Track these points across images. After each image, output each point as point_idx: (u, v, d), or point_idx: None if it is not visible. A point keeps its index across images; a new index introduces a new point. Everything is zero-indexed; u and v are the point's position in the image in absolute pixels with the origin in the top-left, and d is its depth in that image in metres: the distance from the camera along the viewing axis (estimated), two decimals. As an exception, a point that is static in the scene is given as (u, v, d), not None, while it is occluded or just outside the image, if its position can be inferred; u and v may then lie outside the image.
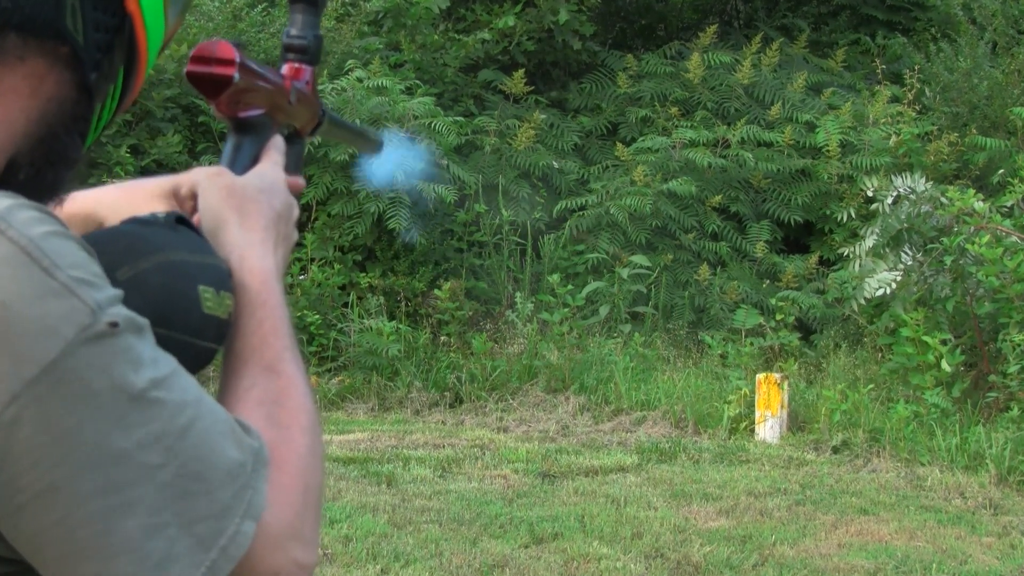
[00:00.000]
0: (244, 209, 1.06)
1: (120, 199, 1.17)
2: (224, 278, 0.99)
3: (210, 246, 1.02)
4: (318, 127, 1.29)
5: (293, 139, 1.23)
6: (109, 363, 0.81)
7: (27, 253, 0.79)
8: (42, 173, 0.93)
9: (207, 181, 1.08)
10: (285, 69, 1.22)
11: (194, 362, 0.96)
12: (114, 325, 0.81)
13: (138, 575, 0.82)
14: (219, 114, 1.10)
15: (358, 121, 9.20)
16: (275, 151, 1.15)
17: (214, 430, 0.87)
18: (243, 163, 1.13)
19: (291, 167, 1.21)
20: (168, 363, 0.86)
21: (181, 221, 1.01)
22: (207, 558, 0.85)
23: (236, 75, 1.05)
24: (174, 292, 0.94)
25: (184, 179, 1.16)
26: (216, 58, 1.05)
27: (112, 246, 0.94)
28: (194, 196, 1.12)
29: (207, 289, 0.96)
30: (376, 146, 1.55)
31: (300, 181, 1.23)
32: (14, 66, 0.87)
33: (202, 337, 0.96)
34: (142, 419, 0.82)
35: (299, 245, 8.89)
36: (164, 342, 0.88)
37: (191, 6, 1.06)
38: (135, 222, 1.01)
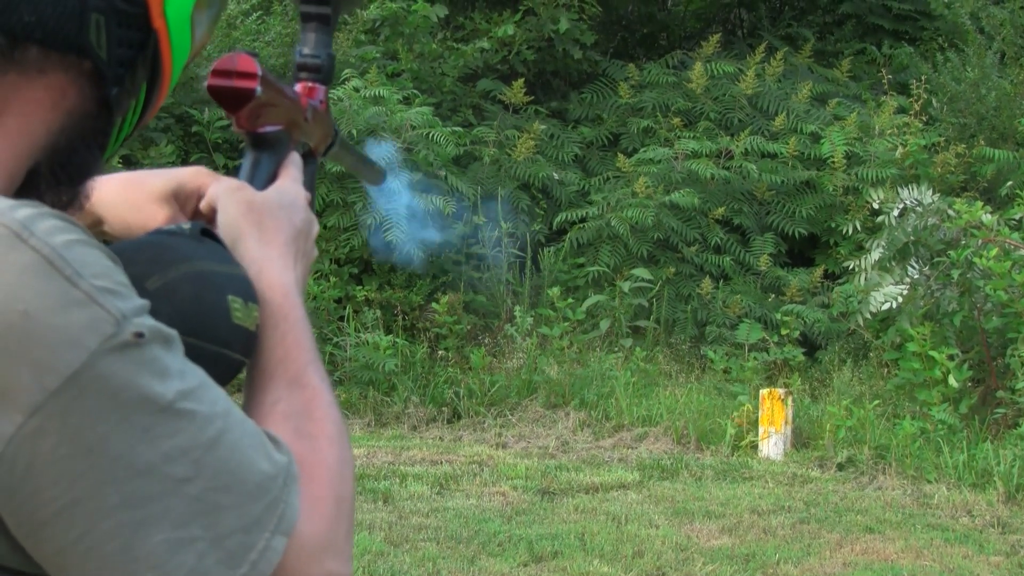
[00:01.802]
0: (263, 224, 1.07)
1: (119, 199, 1.18)
2: (251, 289, 1.00)
3: (234, 258, 1.03)
4: (331, 147, 1.30)
5: (307, 158, 1.24)
6: (134, 374, 0.81)
7: (50, 262, 0.79)
8: (62, 185, 0.94)
9: (226, 195, 1.09)
10: (299, 88, 1.23)
11: (224, 374, 0.96)
12: (139, 335, 0.81)
13: None
14: (238, 129, 1.11)
15: (354, 132, 9.24)
16: (294, 168, 1.16)
17: (243, 443, 0.87)
18: (262, 179, 1.14)
19: (305, 186, 1.22)
20: (196, 375, 0.86)
21: (206, 233, 1.02)
22: (237, 574, 0.85)
23: (259, 88, 1.06)
24: (204, 302, 0.95)
25: (187, 178, 1.17)
26: (237, 71, 1.05)
27: (139, 256, 0.95)
28: (198, 197, 1.15)
29: (236, 299, 0.97)
30: (379, 177, 1.56)
31: (309, 198, 1.25)
32: (34, 79, 0.89)
33: (231, 348, 0.97)
34: (169, 431, 0.82)
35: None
36: (194, 353, 0.89)
37: (218, 20, 1.07)
38: (160, 233, 1.02)
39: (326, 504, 0.93)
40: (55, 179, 0.93)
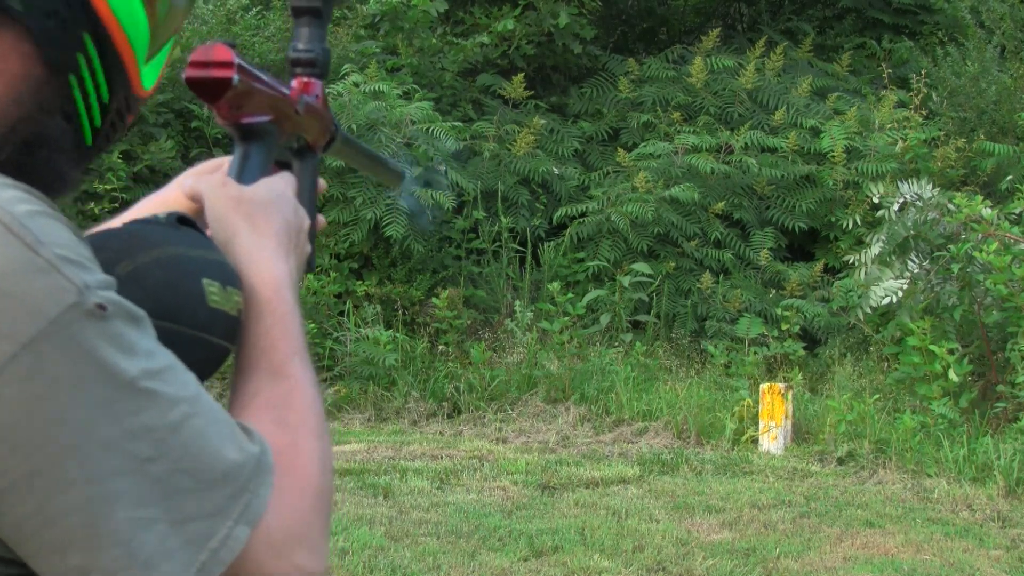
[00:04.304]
0: (254, 218, 1.06)
1: (148, 208, 1.19)
2: (230, 274, 1.00)
3: (213, 243, 1.03)
4: (331, 143, 1.29)
5: (305, 152, 1.25)
6: (96, 346, 0.80)
7: (9, 229, 0.78)
8: (32, 156, 0.92)
9: (212, 192, 1.08)
10: (294, 83, 1.22)
11: (207, 360, 0.97)
12: (102, 307, 0.80)
13: (127, 570, 0.81)
14: (221, 121, 1.11)
15: (354, 127, 9.24)
16: (286, 173, 1.16)
17: (210, 430, 0.86)
18: (252, 172, 1.13)
19: (307, 180, 1.23)
20: (166, 357, 0.86)
21: (184, 221, 1.02)
22: (197, 559, 0.84)
23: (235, 77, 1.05)
24: (177, 286, 0.94)
25: (185, 183, 1.17)
26: (214, 61, 1.05)
27: (111, 243, 0.95)
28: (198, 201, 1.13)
29: (212, 283, 0.96)
30: (397, 177, 1.55)
31: (321, 184, 1.27)
32: None
33: (211, 332, 0.97)
34: (132, 408, 0.81)
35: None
36: (170, 337, 0.89)
37: None
38: (135, 222, 1.02)
39: (301, 497, 0.93)
40: (16, 150, 0.91)
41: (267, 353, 1.00)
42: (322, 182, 1.28)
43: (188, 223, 1.02)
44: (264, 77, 1.13)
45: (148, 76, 1.00)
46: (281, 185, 1.13)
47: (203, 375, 0.96)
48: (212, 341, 0.97)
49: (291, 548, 0.91)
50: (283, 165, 1.21)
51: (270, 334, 1.01)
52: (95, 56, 0.93)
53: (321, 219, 1.27)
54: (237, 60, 1.06)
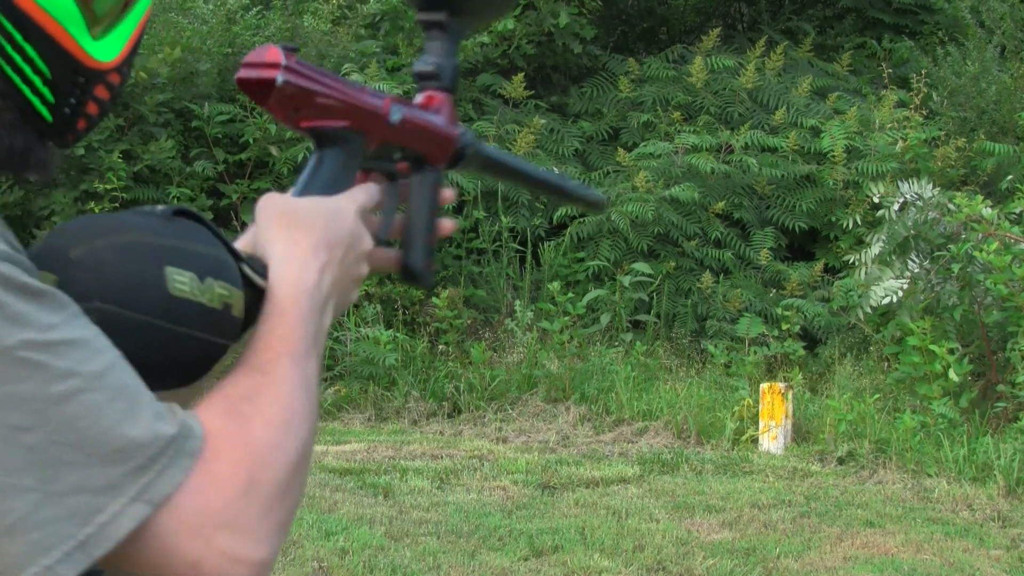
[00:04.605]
0: (292, 228, 1.07)
1: None
2: (219, 269, 0.99)
3: (212, 238, 1.02)
4: (460, 160, 1.27)
5: (422, 166, 1.24)
6: None
7: None
8: None
9: (263, 203, 1.09)
10: (421, 98, 1.22)
11: (164, 346, 0.96)
12: None
13: None
14: (287, 125, 1.11)
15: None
16: (361, 190, 1.15)
17: (109, 407, 0.86)
18: (322, 179, 1.13)
19: (422, 195, 1.23)
20: (72, 333, 0.87)
21: (184, 213, 1.02)
22: (80, 532, 0.84)
23: (280, 77, 1.06)
24: (128, 271, 0.94)
25: None
26: (263, 62, 1.06)
27: (72, 227, 0.96)
28: None
29: (181, 272, 0.96)
30: (599, 206, 1.54)
31: (447, 195, 1.25)
32: None
33: (174, 321, 0.96)
34: (6, 376, 0.82)
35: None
36: (115, 319, 0.90)
37: None
38: (126, 211, 1.02)
39: (231, 482, 0.92)
40: None
41: (259, 351, 1.00)
42: (449, 193, 1.26)
43: (191, 216, 1.02)
44: (332, 82, 1.11)
45: (105, 48, 1.01)
46: (342, 202, 1.12)
47: (175, 363, 0.98)
48: (173, 329, 0.96)
49: (211, 531, 0.90)
50: (390, 176, 1.21)
51: (270, 334, 1.01)
52: (15, 32, 0.94)
53: (448, 224, 1.27)
54: (286, 62, 1.06)
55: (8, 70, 0.95)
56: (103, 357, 0.88)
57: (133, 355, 0.92)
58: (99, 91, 1.02)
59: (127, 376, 0.89)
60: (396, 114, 1.16)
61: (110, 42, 1.01)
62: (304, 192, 1.12)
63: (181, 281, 0.95)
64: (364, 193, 1.14)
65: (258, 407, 0.96)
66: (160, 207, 1.03)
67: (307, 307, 1.03)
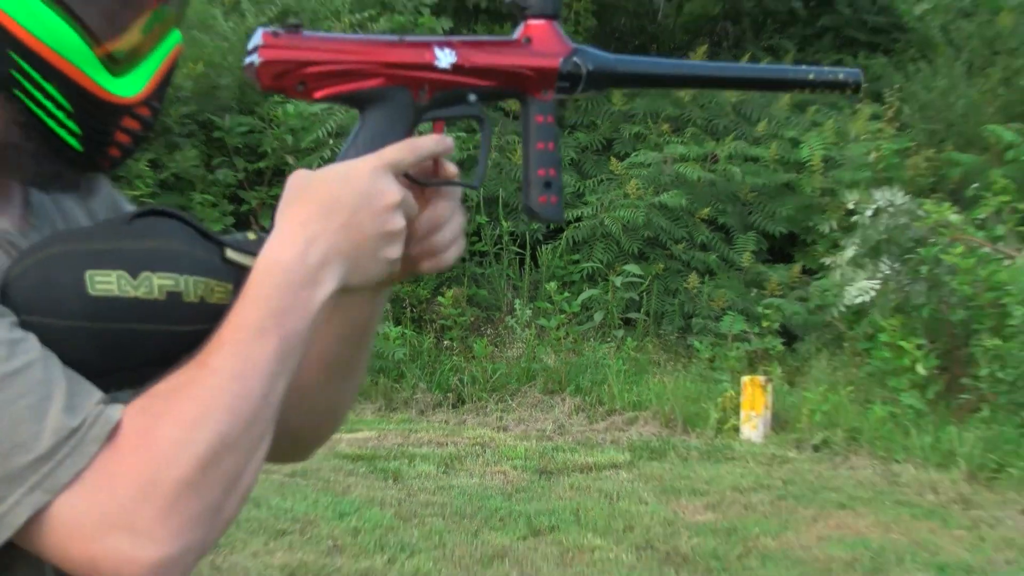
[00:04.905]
0: (291, 202, 0.99)
1: None
2: (163, 261, 0.96)
3: (181, 232, 0.99)
4: (577, 85, 1.12)
5: (525, 98, 1.10)
6: None
7: None
8: (3, 156, 0.98)
9: (287, 183, 1.02)
10: (518, 32, 1.10)
11: (104, 345, 0.94)
12: None
13: None
14: (303, 100, 1.05)
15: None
16: (395, 147, 1.03)
17: (20, 403, 0.85)
18: (362, 141, 1.04)
19: (527, 131, 1.10)
20: None
21: (158, 213, 1.01)
22: None
23: (256, 59, 1.02)
24: (51, 282, 0.93)
25: None
26: (249, 49, 1.04)
27: (26, 248, 0.98)
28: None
29: (104, 273, 0.94)
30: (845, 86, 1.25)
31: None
32: None
33: (102, 319, 0.94)
34: None
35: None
36: (43, 329, 0.91)
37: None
38: (100, 222, 1.06)
39: (126, 483, 0.86)
40: None
41: (211, 343, 0.93)
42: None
43: (165, 214, 1.01)
44: (340, 46, 1.03)
45: (126, 84, 0.99)
46: (358, 163, 1.01)
47: (129, 357, 0.95)
48: (106, 327, 0.94)
49: (106, 530, 0.86)
50: (479, 119, 1.10)
51: (228, 323, 0.94)
52: (32, 71, 0.94)
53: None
54: (262, 42, 1.02)
55: (32, 106, 0.96)
56: (21, 357, 0.87)
57: (73, 358, 0.91)
58: (127, 123, 1.00)
59: (46, 373, 0.87)
60: (445, 60, 1.05)
61: (132, 79, 0.99)
62: (343, 157, 1.03)
63: (104, 281, 0.93)
64: (397, 149, 1.02)
65: (173, 403, 0.90)
66: (130, 209, 1.03)
67: (270, 284, 0.94)
